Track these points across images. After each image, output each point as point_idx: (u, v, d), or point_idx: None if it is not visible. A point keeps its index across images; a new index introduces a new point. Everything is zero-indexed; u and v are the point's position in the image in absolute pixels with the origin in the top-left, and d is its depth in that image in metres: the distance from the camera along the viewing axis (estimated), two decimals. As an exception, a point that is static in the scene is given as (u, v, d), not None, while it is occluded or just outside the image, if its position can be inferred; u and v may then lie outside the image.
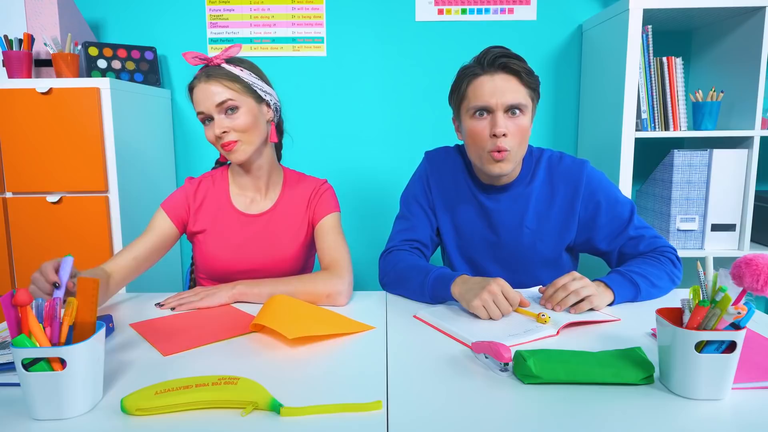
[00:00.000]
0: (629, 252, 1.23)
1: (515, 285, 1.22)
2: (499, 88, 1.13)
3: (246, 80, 1.19)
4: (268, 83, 1.26)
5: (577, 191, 1.24)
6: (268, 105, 1.24)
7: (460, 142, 1.33)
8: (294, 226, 1.28)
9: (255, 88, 1.20)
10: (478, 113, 1.16)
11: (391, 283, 1.22)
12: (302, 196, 1.30)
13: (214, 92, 1.16)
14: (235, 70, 1.18)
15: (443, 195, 1.32)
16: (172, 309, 1.10)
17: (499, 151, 1.14)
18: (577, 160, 1.27)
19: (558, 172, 1.26)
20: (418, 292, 1.15)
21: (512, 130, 1.15)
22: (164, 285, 2.03)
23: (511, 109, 1.14)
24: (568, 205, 1.25)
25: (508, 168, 1.18)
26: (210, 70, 1.17)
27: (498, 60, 1.13)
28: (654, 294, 1.14)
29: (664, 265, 1.17)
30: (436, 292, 1.11)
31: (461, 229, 1.32)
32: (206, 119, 1.19)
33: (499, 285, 1.01)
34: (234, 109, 1.17)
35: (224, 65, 1.18)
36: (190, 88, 1.20)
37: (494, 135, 1.14)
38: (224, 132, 1.17)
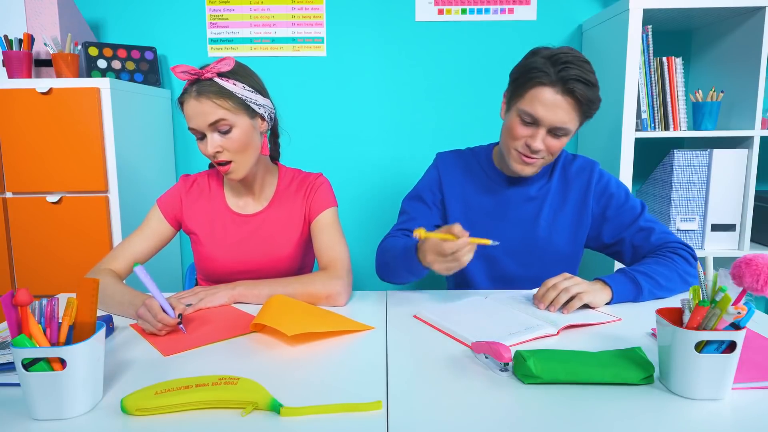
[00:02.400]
0: (641, 244, 1.23)
1: (531, 280, 1.25)
2: (555, 107, 1.11)
3: (239, 95, 1.12)
4: (263, 91, 1.20)
5: (589, 187, 1.28)
6: (262, 117, 1.20)
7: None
8: (290, 224, 1.28)
9: (249, 103, 1.14)
10: (525, 117, 1.15)
11: (381, 268, 1.23)
12: (297, 193, 1.29)
13: (206, 111, 1.10)
14: (228, 85, 1.11)
15: (456, 191, 1.33)
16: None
17: (528, 157, 1.18)
18: (588, 160, 1.32)
19: (571, 171, 1.30)
20: (399, 268, 1.15)
21: (547, 146, 1.16)
22: (164, 285, 2.03)
23: (555, 130, 1.14)
24: (581, 202, 1.28)
25: (531, 172, 1.21)
26: (201, 86, 1.10)
27: (570, 83, 1.09)
28: (660, 294, 1.13)
29: (676, 265, 1.15)
30: (408, 262, 1.09)
31: (476, 224, 1.31)
32: (199, 135, 1.15)
33: (429, 252, 0.99)
34: (228, 129, 1.12)
35: (216, 79, 1.11)
36: (180, 102, 1.14)
37: (528, 145, 1.16)
38: (218, 151, 1.13)
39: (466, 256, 0.97)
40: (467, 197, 1.32)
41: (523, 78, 1.14)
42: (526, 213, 1.29)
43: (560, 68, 1.09)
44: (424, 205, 1.33)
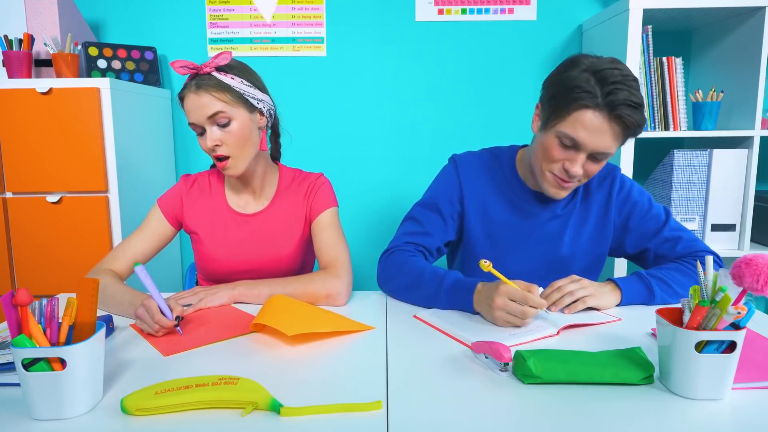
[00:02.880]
0: (665, 254, 1.19)
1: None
2: (600, 132, 1.02)
3: (237, 89, 1.13)
4: (261, 87, 1.21)
5: (611, 197, 1.22)
6: (261, 112, 1.21)
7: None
8: (290, 224, 1.28)
9: (247, 97, 1.15)
10: (565, 140, 1.06)
11: (389, 282, 1.17)
12: (298, 193, 1.29)
13: (205, 104, 1.11)
14: (226, 79, 1.13)
15: (477, 203, 1.24)
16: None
17: (565, 181, 1.11)
18: (610, 165, 1.25)
19: (593, 181, 1.24)
20: (429, 299, 1.09)
21: (585, 170, 1.09)
22: (164, 285, 2.03)
23: (596, 155, 1.07)
24: (603, 214, 1.23)
25: (564, 195, 1.14)
26: (200, 80, 1.12)
27: (619, 108, 0.99)
28: (674, 302, 1.10)
29: (697, 273, 1.13)
30: (453, 294, 1.06)
31: (496, 240, 1.24)
32: (198, 130, 1.15)
33: (502, 295, 0.95)
34: (226, 122, 1.13)
35: (214, 73, 1.12)
36: (181, 98, 1.16)
37: (566, 170, 1.09)
38: (216, 145, 1.14)
39: (531, 321, 0.97)
40: (488, 210, 1.23)
41: (565, 97, 1.03)
42: (550, 231, 1.22)
43: (608, 90, 0.99)
44: (440, 217, 1.23)
